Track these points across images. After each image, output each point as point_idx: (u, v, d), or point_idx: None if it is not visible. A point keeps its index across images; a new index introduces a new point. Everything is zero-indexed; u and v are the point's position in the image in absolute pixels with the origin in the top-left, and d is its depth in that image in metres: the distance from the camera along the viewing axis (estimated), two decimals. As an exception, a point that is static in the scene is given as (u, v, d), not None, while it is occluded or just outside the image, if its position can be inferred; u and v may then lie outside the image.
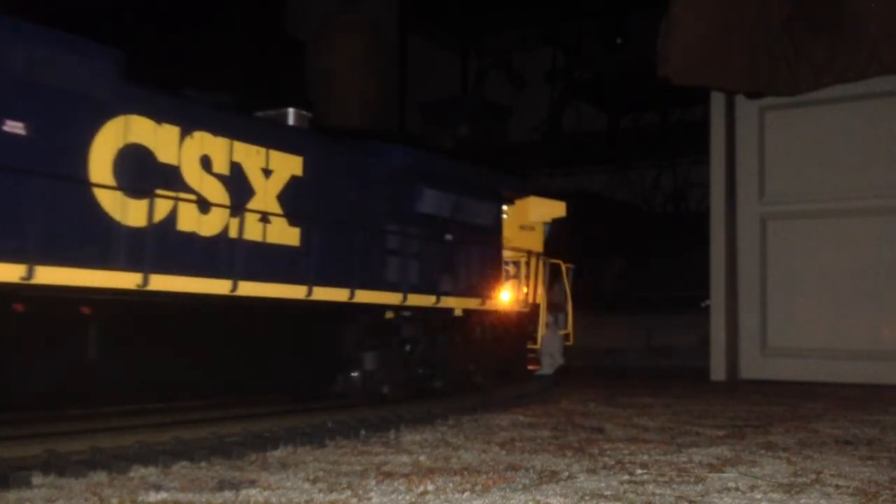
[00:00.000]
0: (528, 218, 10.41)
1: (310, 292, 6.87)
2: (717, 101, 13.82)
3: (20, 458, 4.65)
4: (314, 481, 4.47)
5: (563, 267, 10.45)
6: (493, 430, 6.68)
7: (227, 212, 6.32)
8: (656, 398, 9.57)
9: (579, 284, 10.87)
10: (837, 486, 4.47)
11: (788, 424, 7.29)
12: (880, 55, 11.42)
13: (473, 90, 25.16)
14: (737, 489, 4.38)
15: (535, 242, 10.39)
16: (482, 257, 9.06)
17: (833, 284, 12.83)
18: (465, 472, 4.73)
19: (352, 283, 7.26)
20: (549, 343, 10.34)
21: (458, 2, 22.37)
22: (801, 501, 4.12)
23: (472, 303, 8.79)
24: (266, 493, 4.14)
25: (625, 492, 4.28)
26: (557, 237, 11.00)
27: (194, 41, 15.89)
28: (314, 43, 20.29)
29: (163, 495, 4.08)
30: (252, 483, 4.38)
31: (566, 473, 4.78)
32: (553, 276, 10.39)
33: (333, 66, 19.75)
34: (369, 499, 4.05)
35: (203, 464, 4.99)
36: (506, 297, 9.41)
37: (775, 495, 4.24)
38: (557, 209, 10.63)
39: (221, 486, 4.29)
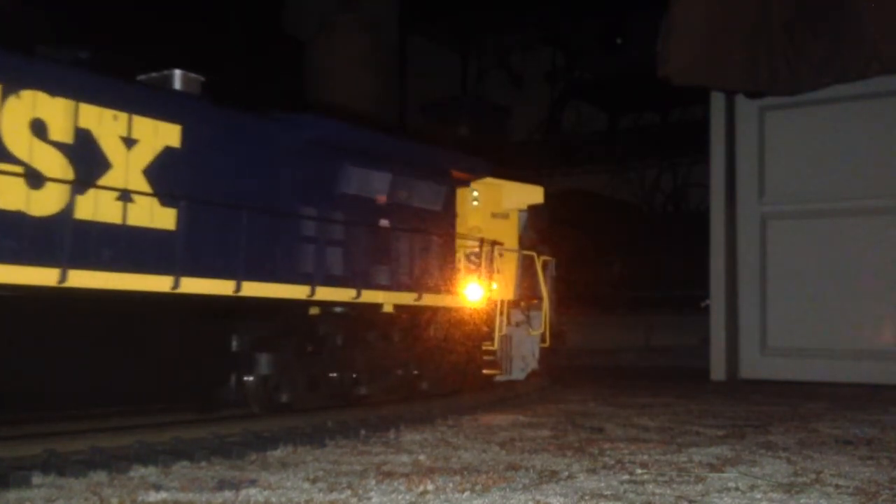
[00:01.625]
0: (502, 205, 9.39)
1: (176, 284, 5.74)
2: (717, 101, 13.82)
3: (20, 458, 4.65)
4: (314, 481, 4.46)
5: (538, 259, 9.38)
6: (493, 429, 6.68)
7: (67, 188, 5.26)
8: (656, 398, 9.57)
9: (580, 284, 10.49)
10: (837, 486, 4.47)
11: (788, 424, 7.29)
12: (880, 55, 11.42)
13: (473, 90, 25.17)
14: (737, 489, 4.38)
15: (509, 232, 9.34)
16: (426, 246, 7.98)
17: (833, 284, 12.83)
18: (465, 472, 4.73)
19: (237, 275, 6.14)
20: (519, 345, 9.27)
21: (458, 2, 22.37)
22: (801, 501, 4.12)
23: (405, 297, 7.66)
24: (266, 493, 4.14)
25: (625, 491, 4.28)
26: (536, 226, 9.93)
27: (193, 39, 15.90)
28: (314, 43, 20.29)
29: (163, 495, 4.08)
30: (252, 483, 4.38)
31: (566, 473, 4.78)
32: (526, 270, 9.28)
33: (333, 66, 19.74)
34: (369, 498, 4.05)
35: (203, 464, 4.99)
36: (457, 291, 8.33)
37: (775, 495, 4.24)
38: (534, 195, 9.61)
39: (221, 485, 4.29)
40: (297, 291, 6.66)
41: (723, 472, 4.89)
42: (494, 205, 9.36)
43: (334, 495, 4.12)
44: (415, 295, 7.75)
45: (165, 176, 5.83)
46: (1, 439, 4.94)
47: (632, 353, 18.56)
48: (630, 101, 23.40)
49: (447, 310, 8.28)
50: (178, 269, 5.78)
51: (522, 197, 9.57)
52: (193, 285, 5.88)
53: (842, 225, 12.93)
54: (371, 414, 6.91)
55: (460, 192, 8.78)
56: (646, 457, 5.39)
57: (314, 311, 7.14)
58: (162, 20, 15.32)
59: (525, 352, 9.37)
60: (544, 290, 9.42)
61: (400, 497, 4.08)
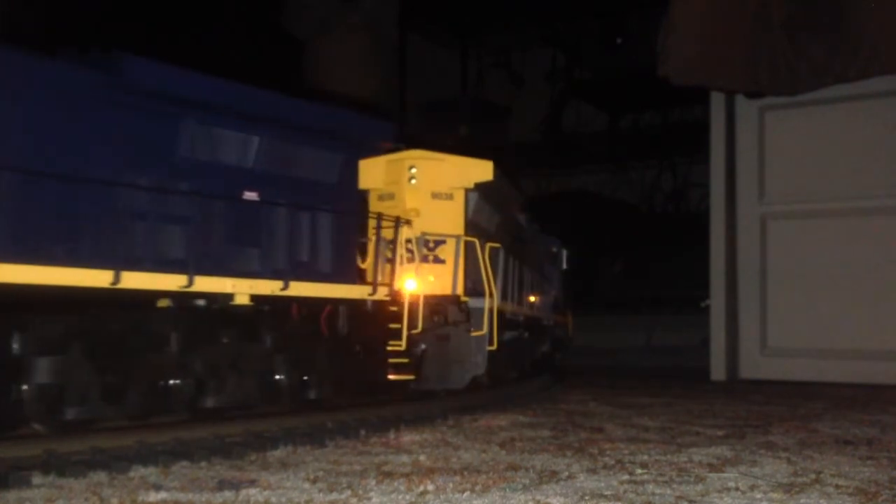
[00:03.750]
0: (443, 183, 8.20)
1: None
2: (717, 101, 13.84)
3: (20, 458, 4.65)
4: (314, 481, 4.46)
5: (481, 247, 8.20)
6: (493, 430, 6.68)
7: None
8: (656, 398, 9.57)
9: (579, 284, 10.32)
10: (837, 486, 4.47)
11: (788, 424, 7.29)
12: (880, 55, 11.43)
13: (473, 90, 25.18)
14: (737, 489, 4.38)
15: (453, 215, 8.20)
16: (311, 226, 6.76)
17: (833, 284, 12.84)
18: (465, 472, 4.73)
19: None
20: (458, 347, 8.04)
21: (457, 1, 22.38)
22: (801, 501, 4.12)
23: (264, 287, 6.18)
24: (266, 493, 4.14)
25: (625, 492, 4.28)
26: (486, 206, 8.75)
27: (193, 37, 15.91)
28: (314, 42, 20.29)
29: (163, 495, 4.08)
30: (252, 483, 4.38)
31: (566, 473, 4.78)
32: (472, 259, 8.21)
33: (333, 66, 19.75)
34: (369, 499, 4.05)
35: (203, 464, 4.99)
36: (353, 280, 7.17)
37: (775, 495, 4.24)
38: (482, 171, 8.32)
39: (221, 486, 4.29)
40: (89, 277, 5.18)
41: (723, 472, 4.89)
42: (435, 183, 8.20)
43: (334, 495, 4.12)
44: (279, 283, 6.26)
45: None
46: (1, 439, 4.94)
47: (632, 353, 18.58)
48: (630, 101, 23.42)
49: (347, 303, 7.00)
50: None
51: (468, 174, 8.31)
52: None
53: (842, 225, 12.94)
54: (371, 414, 6.90)
55: (399, 167, 7.89)
56: (646, 457, 5.39)
57: (163, 303, 5.82)
58: (160, 15, 15.34)
59: (465, 355, 8.09)
60: (489, 284, 8.18)
61: (400, 497, 4.08)
